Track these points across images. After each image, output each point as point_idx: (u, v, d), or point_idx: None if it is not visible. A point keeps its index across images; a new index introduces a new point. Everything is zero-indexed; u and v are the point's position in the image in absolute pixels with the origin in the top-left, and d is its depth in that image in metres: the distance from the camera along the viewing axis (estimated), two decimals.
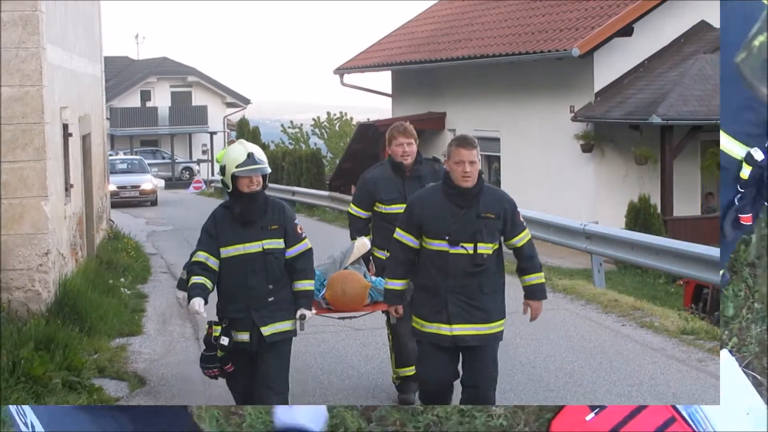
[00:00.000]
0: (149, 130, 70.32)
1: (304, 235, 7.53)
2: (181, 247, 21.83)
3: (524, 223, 7.37)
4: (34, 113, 11.76)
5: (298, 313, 7.40)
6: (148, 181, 41.17)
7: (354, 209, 9.26)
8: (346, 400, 9.38)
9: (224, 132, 69.13)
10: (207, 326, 7.40)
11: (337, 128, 66.08)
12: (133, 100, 71.51)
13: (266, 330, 7.28)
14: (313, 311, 7.72)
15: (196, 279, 7.26)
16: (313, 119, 68.04)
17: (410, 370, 8.80)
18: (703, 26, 25.99)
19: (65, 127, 13.96)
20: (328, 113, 67.59)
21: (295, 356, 8.14)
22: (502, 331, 7.28)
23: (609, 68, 25.71)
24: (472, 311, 7.09)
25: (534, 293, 7.44)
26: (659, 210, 23.24)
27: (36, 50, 11.74)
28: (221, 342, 7.20)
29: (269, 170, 7.36)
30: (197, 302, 7.10)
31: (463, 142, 7.15)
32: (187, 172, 66.13)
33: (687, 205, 24.91)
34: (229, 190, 7.33)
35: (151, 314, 14.47)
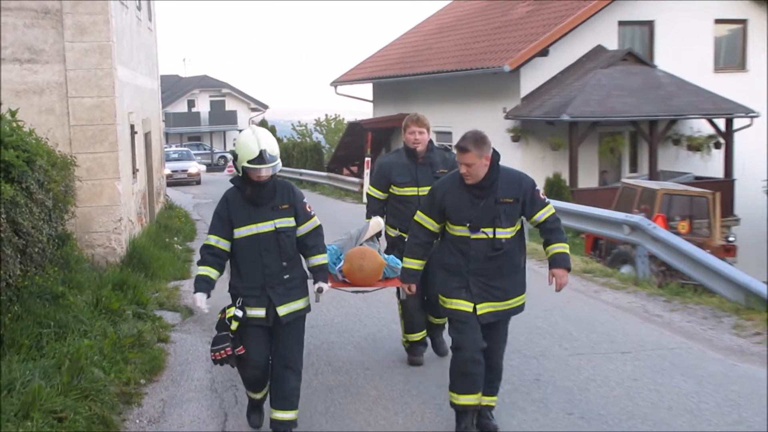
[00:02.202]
0: (194, 129, 71.79)
1: (312, 212, 6.29)
2: None
3: (545, 199, 6.17)
4: (109, 117, 11.89)
5: (316, 286, 6.30)
6: (194, 167, 41.90)
7: (372, 191, 8.04)
8: (355, 353, 9.32)
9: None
10: (220, 313, 6.22)
11: (332, 126, 66.09)
12: (181, 107, 72.12)
13: (282, 310, 6.06)
14: (329, 284, 6.48)
15: (201, 270, 6.12)
16: (315, 120, 68.04)
17: (417, 336, 8.00)
18: (599, 49, 26.00)
19: (132, 127, 14.05)
20: (326, 115, 67.71)
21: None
22: (523, 305, 6.22)
23: (531, 80, 25.68)
24: (492, 291, 6.04)
25: (557, 262, 6.15)
26: (568, 183, 23.47)
27: (109, 70, 11.82)
28: (236, 314, 6.03)
29: (280, 167, 6.06)
30: (200, 298, 6.03)
31: (458, 145, 6.06)
32: (223, 160, 66.07)
33: (588, 179, 25.02)
34: (240, 175, 6.10)
35: (197, 263, 14.52)
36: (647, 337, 9.13)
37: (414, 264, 6.33)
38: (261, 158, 5.89)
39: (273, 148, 5.99)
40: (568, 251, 6.21)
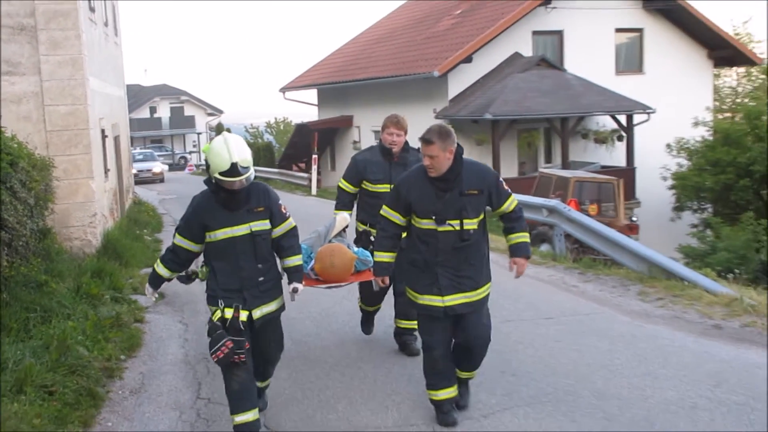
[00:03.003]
0: (156, 133, 70.91)
1: (288, 214, 5.69)
2: (182, 209, 21.67)
3: (509, 190, 5.69)
4: (82, 123, 11.70)
5: (291, 286, 5.71)
6: (158, 166, 41.61)
7: (343, 183, 7.36)
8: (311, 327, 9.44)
9: (206, 132, 69.27)
10: (209, 324, 5.43)
11: (281, 128, 65.67)
12: (144, 113, 71.03)
13: (256, 313, 5.47)
14: (303, 284, 5.84)
15: (157, 267, 5.70)
16: (266, 122, 67.58)
17: (371, 309, 7.66)
18: (516, 55, 26.18)
19: (103, 131, 13.84)
20: (275, 118, 67.31)
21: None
22: (488, 295, 5.72)
23: (457, 84, 25.78)
24: (461, 280, 5.55)
25: (520, 250, 5.75)
26: None
27: (82, 81, 11.63)
28: (242, 318, 5.39)
29: (253, 177, 5.38)
30: (149, 290, 5.77)
31: (423, 137, 5.54)
32: (183, 160, 65.57)
33: (509, 170, 25.20)
34: (214, 182, 5.37)
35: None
36: (566, 304, 9.31)
37: (385, 257, 5.83)
38: (233, 171, 5.21)
39: (245, 158, 5.28)
40: (528, 240, 5.84)
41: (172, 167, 57.06)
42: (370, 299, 7.55)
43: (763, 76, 30.18)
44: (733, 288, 9.76)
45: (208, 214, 5.43)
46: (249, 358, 5.44)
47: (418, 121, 26.52)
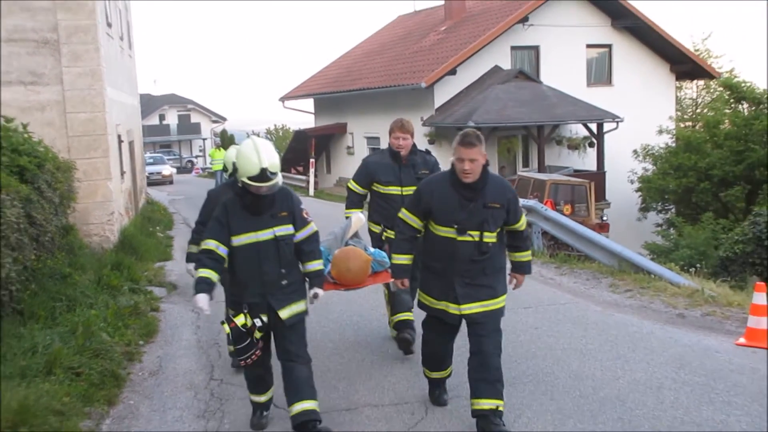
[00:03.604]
0: (164, 138, 70.61)
1: (310, 218, 5.23)
2: (189, 208, 21.92)
3: (522, 209, 5.34)
4: (101, 129, 11.72)
5: (312, 292, 5.28)
6: (167, 169, 41.58)
7: (353, 185, 6.99)
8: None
9: (211, 138, 69.09)
10: (224, 324, 5.15)
11: (281, 134, 65.64)
12: (154, 120, 70.64)
13: (284, 313, 5.07)
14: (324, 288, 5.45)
15: (203, 272, 4.97)
16: (267, 129, 67.55)
17: (404, 315, 6.95)
18: (496, 68, 26.18)
19: (119, 137, 13.83)
20: (275, 125, 67.34)
21: None
22: (504, 306, 5.26)
23: (443, 94, 25.76)
24: (479, 289, 5.11)
25: (523, 268, 5.47)
26: None
27: (100, 90, 11.66)
28: (258, 323, 5.06)
29: (281, 183, 5.02)
30: (202, 299, 4.91)
31: (463, 139, 4.97)
32: (190, 163, 65.38)
33: None
34: (240, 185, 5.00)
35: (176, 247, 14.45)
36: (544, 295, 9.39)
37: (403, 259, 5.35)
38: (262, 176, 4.84)
39: (274, 164, 4.89)
40: (531, 259, 5.57)
41: (180, 170, 56.82)
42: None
43: (721, 88, 30.34)
44: (695, 281, 9.87)
45: (234, 217, 5.02)
46: (265, 354, 5.28)
47: None
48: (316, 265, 5.27)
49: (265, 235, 5.02)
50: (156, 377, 6.82)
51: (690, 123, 33.28)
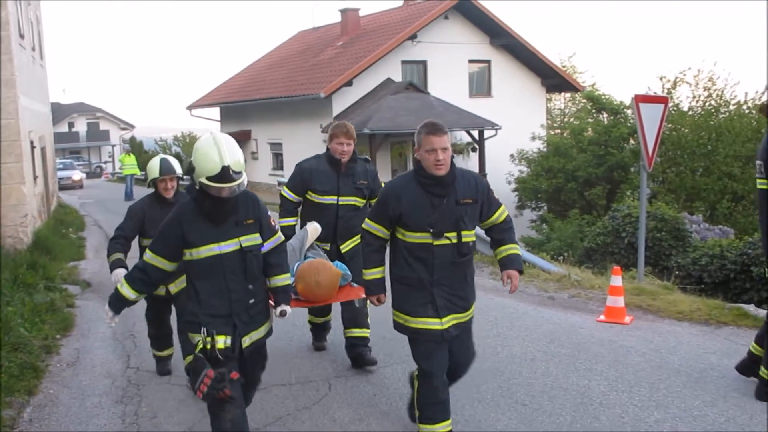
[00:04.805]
0: (74, 145, 67.62)
1: (277, 227, 4.21)
2: (100, 211, 21.39)
3: (499, 199, 4.39)
4: (14, 135, 11.35)
5: (278, 309, 4.18)
6: (77, 174, 40.17)
7: (286, 192, 5.90)
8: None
9: (120, 144, 66.92)
10: (193, 358, 3.89)
11: (188, 141, 64.09)
12: (63, 128, 67.53)
13: (245, 341, 3.99)
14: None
15: (122, 289, 4.08)
16: (174, 136, 65.78)
17: (318, 319, 6.41)
18: (389, 81, 26.47)
19: (32, 142, 13.34)
20: (182, 132, 65.69)
21: None
22: (473, 316, 4.45)
23: (340, 103, 25.82)
24: (456, 301, 4.26)
25: (512, 262, 4.35)
26: None
27: (14, 98, 11.31)
28: (224, 345, 3.88)
29: (245, 184, 3.89)
30: (109, 313, 4.14)
31: (432, 129, 4.11)
32: (99, 169, 63.02)
33: (384, 176, 24.84)
34: (198, 188, 3.89)
35: (89, 247, 14.09)
36: None
37: (376, 273, 4.42)
38: (224, 176, 3.76)
39: (238, 161, 3.82)
40: (519, 251, 4.48)
41: (90, 175, 54.77)
42: (318, 309, 6.12)
43: (584, 100, 31.66)
44: (563, 268, 10.30)
45: (190, 227, 3.89)
46: (239, 391, 3.91)
47: (308, 135, 26.68)
48: (283, 279, 4.23)
49: (229, 246, 3.93)
50: (74, 368, 6.65)
51: (559, 130, 34.46)
